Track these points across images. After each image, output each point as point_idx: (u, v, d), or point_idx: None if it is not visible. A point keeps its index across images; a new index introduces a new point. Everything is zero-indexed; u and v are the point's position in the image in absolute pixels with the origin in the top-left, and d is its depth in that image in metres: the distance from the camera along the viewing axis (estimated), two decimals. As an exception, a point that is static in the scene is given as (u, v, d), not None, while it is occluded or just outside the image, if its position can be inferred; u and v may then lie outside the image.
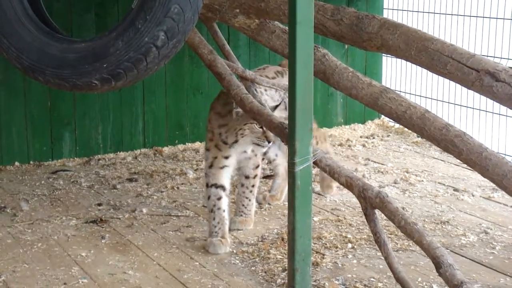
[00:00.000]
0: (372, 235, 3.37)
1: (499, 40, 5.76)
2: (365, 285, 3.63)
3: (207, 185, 4.15)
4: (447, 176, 5.39)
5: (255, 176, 4.36)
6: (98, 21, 5.86)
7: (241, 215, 4.38)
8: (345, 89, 3.65)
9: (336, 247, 4.08)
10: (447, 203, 4.82)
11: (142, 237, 4.28)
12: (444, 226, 4.39)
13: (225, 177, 4.16)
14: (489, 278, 3.71)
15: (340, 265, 3.87)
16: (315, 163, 3.44)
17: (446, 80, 3.35)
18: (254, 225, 4.43)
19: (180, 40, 3.35)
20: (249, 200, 4.37)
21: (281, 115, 4.05)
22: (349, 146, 6.23)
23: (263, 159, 4.67)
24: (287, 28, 3.67)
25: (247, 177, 4.34)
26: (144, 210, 4.70)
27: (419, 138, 6.28)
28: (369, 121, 6.96)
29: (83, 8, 5.81)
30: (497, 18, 5.72)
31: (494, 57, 5.52)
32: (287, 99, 4.15)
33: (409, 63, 3.52)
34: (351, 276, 3.74)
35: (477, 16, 5.85)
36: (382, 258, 3.38)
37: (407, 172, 5.46)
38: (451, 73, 3.20)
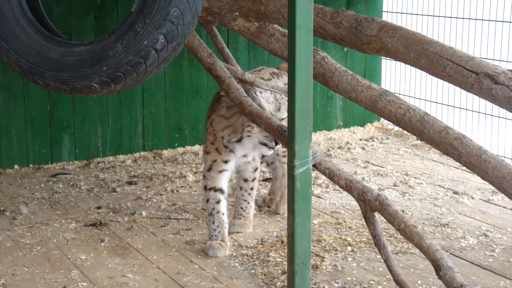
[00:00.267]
0: (371, 238, 3.37)
1: (498, 43, 5.77)
2: (364, 287, 3.64)
3: (205, 188, 4.15)
4: (447, 179, 5.39)
5: (253, 179, 4.36)
6: (98, 24, 5.86)
7: (240, 218, 4.38)
8: (345, 92, 3.65)
9: (336, 250, 4.08)
10: (446, 205, 4.82)
11: (142, 240, 4.28)
12: (443, 229, 4.39)
13: (224, 181, 4.16)
14: (488, 280, 3.71)
15: (339, 268, 3.87)
16: (314, 166, 3.44)
17: (446, 83, 3.35)
18: (254, 228, 4.43)
19: (179, 43, 3.35)
20: (248, 203, 4.37)
21: (281, 116, 4.04)
22: (349, 149, 6.23)
23: (261, 162, 4.67)
24: (286, 31, 3.67)
25: (245, 180, 4.34)
26: (144, 213, 4.70)
27: (419, 141, 6.28)
28: (369, 124, 6.96)
29: (82, 11, 5.81)
30: (496, 21, 5.72)
31: (493, 59, 5.52)
32: (284, 100, 4.18)
33: (408, 66, 3.51)
34: (351, 279, 3.74)
35: (476, 19, 5.85)
36: (382, 261, 3.38)
37: (407, 175, 5.46)
38: (450, 76, 3.20)
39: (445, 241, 4.20)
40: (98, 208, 4.82)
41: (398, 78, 6.73)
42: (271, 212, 4.70)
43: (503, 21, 5.70)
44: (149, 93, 6.10)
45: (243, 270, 3.87)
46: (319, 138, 6.56)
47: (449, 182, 5.33)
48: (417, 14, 6.45)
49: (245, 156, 4.20)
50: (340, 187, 3.47)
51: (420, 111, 3.40)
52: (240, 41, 6.29)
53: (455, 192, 5.07)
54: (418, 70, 3.42)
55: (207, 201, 4.13)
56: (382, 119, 6.75)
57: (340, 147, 6.28)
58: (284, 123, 3.65)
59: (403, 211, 4.62)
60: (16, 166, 5.72)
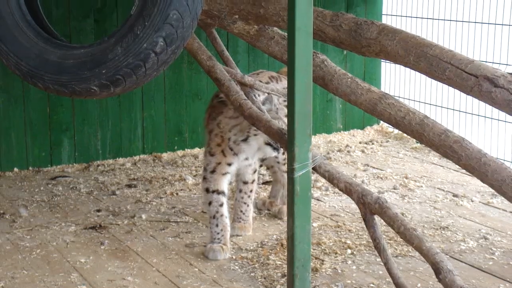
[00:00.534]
0: (371, 241, 3.37)
1: (498, 46, 5.77)
2: (364, 291, 3.63)
3: (207, 191, 4.13)
4: (446, 182, 5.39)
5: (253, 181, 4.35)
6: (97, 27, 5.87)
7: (240, 221, 4.38)
8: (344, 95, 3.65)
9: (336, 253, 4.08)
10: (446, 208, 4.81)
11: (141, 243, 4.28)
12: (443, 232, 4.39)
13: (226, 183, 4.15)
14: (488, 283, 3.71)
15: (339, 271, 3.86)
16: (314, 168, 3.44)
17: (445, 86, 3.35)
18: (254, 231, 4.43)
19: (179, 46, 3.35)
20: (248, 205, 4.37)
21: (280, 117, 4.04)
22: (348, 152, 6.23)
23: (261, 165, 4.67)
24: (286, 34, 3.68)
25: (245, 183, 4.33)
26: (143, 216, 4.70)
27: (418, 144, 6.28)
28: (368, 127, 6.96)
29: (82, 14, 5.81)
30: (495, 24, 5.72)
31: (493, 62, 5.52)
32: (280, 103, 4.18)
33: (408, 69, 3.51)
34: (351, 282, 3.74)
35: (475, 22, 5.85)
36: (382, 264, 3.38)
37: (406, 178, 5.46)
38: (450, 79, 3.20)
39: (445, 244, 4.20)
40: (98, 211, 4.82)
41: (397, 81, 6.73)
42: (271, 215, 4.70)
43: (502, 24, 5.70)
44: (148, 96, 6.10)
45: (243, 273, 3.87)
46: (319, 141, 6.56)
47: (449, 185, 5.32)
48: (416, 17, 6.46)
49: (246, 159, 4.18)
50: (340, 190, 3.47)
51: (420, 114, 3.40)
52: (239, 44, 6.29)
53: (455, 195, 5.07)
54: (418, 73, 3.42)
55: (210, 203, 4.12)
56: (381, 122, 6.74)
57: (339, 150, 6.28)
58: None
59: (402, 214, 4.62)
60: (15, 169, 5.71)
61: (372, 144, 6.46)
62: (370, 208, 3.31)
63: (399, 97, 6.52)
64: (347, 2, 6.75)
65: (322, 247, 4.15)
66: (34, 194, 5.17)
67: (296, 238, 3.36)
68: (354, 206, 4.03)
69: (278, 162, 4.57)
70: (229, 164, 4.12)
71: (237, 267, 3.94)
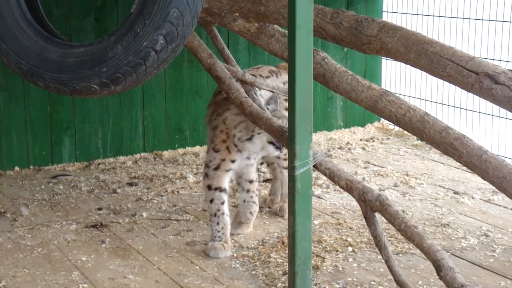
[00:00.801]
0: (372, 238, 3.37)
1: (498, 43, 5.77)
2: (365, 288, 3.63)
3: (209, 187, 4.11)
4: (447, 179, 5.39)
5: (256, 179, 4.35)
6: (97, 25, 5.86)
7: (248, 222, 4.33)
8: (345, 92, 3.65)
9: (337, 251, 4.08)
10: (447, 206, 4.81)
11: (142, 242, 4.28)
12: (444, 229, 4.39)
13: (228, 180, 4.14)
14: (489, 281, 3.71)
15: (340, 268, 3.86)
16: (315, 166, 3.44)
17: (446, 83, 3.34)
18: (254, 229, 4.43)
19: (179, 44, 3.35)
20: (256, 205, 4.34)
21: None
22: (349, 149, 6.23)
23: (261, 163, 4.66)
24: (286, 31, 3.67)
25: (251, 182, 4.30)
26: (144, 215, 4.70)
27: (419, 141, 6.28)
28: (369, 124, 6.96)
29: (82, 12, 5.81)
30: (496, 21, 5.72)
31: (493, 59, 5.52)
32: (281, 100, 4.18)
33: (408, 66, 3.51)
34: (352, 279, 3.74)
35: (476, 19, 5.85)
36: (383, 261, 3.38)
37: (407, 175, 5.46)
38: (450, 76, 3.20)
39: (446, 242, 4.20)
40: (99, 209, 4.82)
41: (398, 78, 6.73)
42: (271, 213, 4.70)
43: (503, 21, 5.69)
44: (149, 94, 6.10)
45: (244, 271, 3.87)
46: (320, 139, 6.56)
47: (450, 182, 5.32)
48: (417, 14, 6.45)
49: (248, 158, 4.17)
50: (341, 187, 3.47)
51: (421, 111, 3.40)
52: (240, 41, 6.29)
53: (456, 192, 5.07)
54: (419, 70, 3.42)
55: (211, 201, 4.10)
56: (382, 119, 6.74)
57: (340, 148, 6.27)
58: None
59: (403, 211, 4.62)
60: (16, 168, 5.72)
61: (373, 141, 6.46)
62: (371, 205, 3.31)
63: (399, 94, 6.52)
64: (347, 0, 6.75)
65: (323, 245, 4.15)
66: (35, 193, 5.18)
67: (297, 236, 3.36)
68: (355, 203, 4.03)
69: (279, 158, 4.56)
70: (233, 161, 4.11)
71: (238, 265, 3.94)
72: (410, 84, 6.56)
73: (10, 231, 4.45)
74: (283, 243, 4.13)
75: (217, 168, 4.10)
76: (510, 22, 5.64)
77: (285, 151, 4.10)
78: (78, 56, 3.41)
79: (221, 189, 4.09)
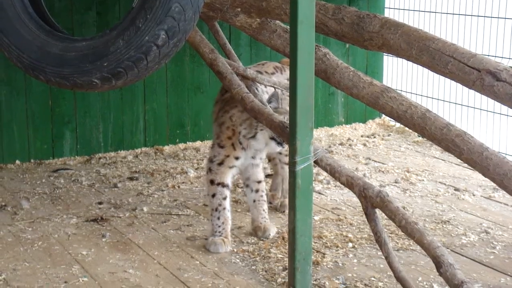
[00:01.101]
0: (372, 234, 3.37)
1: (500, 40, 5.76)
2: (365, 284, 3.63)
3: (212, 182, 4.10)
4: (448, 176, 5.39)
5: (264, 179, 4.33)
6: (99, 19, 5.86)
7: (266, 220, 4.30)
8: (346, 88, 3.65)
9: (337, 246, 4.08)
10: (447, 202, 4.81)
11: (143, 236, 4.28)
12: (444, 226, 4.39)
13: (231, 176, 4.13)
14: (489, 277, 3.71)
15: (340, 264, 3.87)
16: (315, 162, 3.44)
17: (447, 80, 3.34)
18: (255, 224, 4.43)
19: (181, 39, 3.35)
20: (266, 202, 4.31)
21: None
22: (350, 145, 6.23)
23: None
24: (288, 27, 3.67)
25: (259, 182, 4.27)
26: (145, 209, 4.70)
27: (420, 138, 6.27)
28: (370, 121, 6.96)
29: (84, 6, 5.81)
30: (498, 18, 5.71)
31: (495, 56, 5.52)
32: (285, 96, 4.17)
33: (410, 63, 3.51)
34: (352, 275, 3.74)
35: (478, 16, 5.84)
36: (383, 257, 3.38)
37: (408, 172, 5.46)
38: (452, 73, 3.20)
39: (446, 238, 4.20)
40: (99, 203, 4.82)
41: (400, 74, 6.72)
42: (272, 208, 4.70)
43: (505, 18, 5.69)
44: (150, 88, 6.10)
45: (244, 266, 3.87)
46: (321, 135, 6.56)
47: (450, 179, 5.32)
48: (419, 11, 6.44)
49: (253, 158, 4.16)
50: (341, 183, 3.47)
51: (422, 108, 3.40)
52: (242, 37, 6.28)
53: (456, 189, 5.07)
54: (420, 67, 3.42)
55: (213, 196, 4.10)
56: (383, 115, 6.75)
57: (341, 144, 6.27)
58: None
59: (404, 207, 4.62)
60: (17, 161, 5.72)
61: (374, 137, 6.45)
62: (371, 201, 3.32)
63: (401, 90, 6.51)
64: (349, -5, 6.75)
65: (323, 241, 4.15)
66: (35, 187, 5.18)
67: (298, 232, 3.37)
68: (355, 199, 4.03)
69: (280, 153, 4.55)
70: (237, 158, 4.10)
71: (238, 260, 3.94)
72: (411, 80, 6.56)
73: (10, 224, 4.46)
74: (283, 238, 4.13)
75: (221, 163, 4.09)
76: (512, 19, 5.64)
77: (286, 146, 4.09)
78: (79, 50, 3.42)
79: (223, 185, 4.09)
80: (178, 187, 5.16)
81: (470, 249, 4.05)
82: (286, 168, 4.40)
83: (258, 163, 4.22)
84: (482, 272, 3.77)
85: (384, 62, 6.99)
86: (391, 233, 4.20)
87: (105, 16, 5.88)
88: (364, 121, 6.94)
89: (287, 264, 3.63)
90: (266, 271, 3.78)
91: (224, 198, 4.09)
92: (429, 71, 3.34)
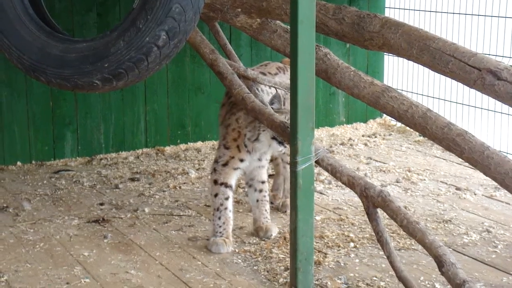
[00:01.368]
0: (374, 234, 3.37)
1: (501, 39, 5.76)
2: (367, 284, 3.63)
3: (215, 182, 4.11)
4: (449, 175, 5.39)
5: (267, 179, 4.33)
6: (100, 20, 5.86)
7: (267, 221, 4.30)
8: (347, 88, 3.65)
9: (339, 246, 4.08)
10: (449, 202, 4.81)
11: (144, 237, 4.28)
12: (446, 225, 4.39)
13: (235, 178, 4.14)
14: (491, 277, 3.71)
15: (342, 264, 3.87)
16: (317, 162, 3.44)
17: (448, 79, 3.34)
18: (256, 225, 4.43)
19: (181, 40, 3.35)
20: (268, 202, 4.33)
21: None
22: (351, 145, 6.23)
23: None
24: (288, 27, 3.67)
25: (263, 182, 4.28)
26: (146, 210, 4.70)
27: (421, 137, 6.27)
28: (371, 120, 6.96)
29: (85, 7, 5.81)
30: (499, 17, 5.71)
31: (496, 55, 5.52)
32: (288, 96, 4.17)
33: (411, 62, 3.51)
34: (354, 275, 3.74)
35: (478, 15, 5.84)
36: (385, 257, 3.38)
37: (409, 171, 5.46)
38: (453, 72, 3.20)
39: (448, 237, 4.20)
40: (101, 204, 4.82)
41: (400, 74, 6.72)
42: (273, 208, 4.69)
43: (506, 17, 5.69)
44: (151, 89, 6.10)
45: (245, 266, 3.87)
46: (322, 135, 6.56)
47: (452, 178, 5.32)
48: (419, 10, 6.44)
49: (259, 160, 4.16)
50: (343, 183, 3.47)
51: (423, 107, 3.40)
52: (242, 37, 6.28)
53: (458, 188, 5.06)
54: (421, 66, 3.42)
55: (215, 195, 4.10)
56: (384, 115, 6.74)
57: (342, 144, 6.27)
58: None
59: (405, 207, 4.62)
60: (18, 163, 5.72)
61: (375, 137, 6.45)
62: (373, 201, 3.32)
63: (402, 90, 6.51)
64: (350, -5, 6.75)
65: (325, 241, 4.15)
66: (37, 188, 5.18)
67: (299, 232, 3.37)
68: (357, 199, 4.03)
69: (284, 153, 4.55)
70: (242, 160, 4.11)
71: (240, 260, 3.94)
72: (412, 80, 6.56)
73: (12, 225, 4.46)
74: (285, 238, 4.13)
75: (225, 164, 4.10)
76: (513, 18, 5.64)
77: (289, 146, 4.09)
78: (80, 52, 3.42)
79: (226, 185, 4.10)
80: (180, 187, 5.16)
81: (472, 248, 4.05)
82: (288, 168, 4.40)
83: (264, 164, 4.23)
84: (484, 271, 3.77)
85: (385, 61, 6.99)
86: (392, 233, 4.20)
87: (105, 17, 5.88)
88: (365, 121, 6.94)
89: (289, 264, 3.63)
90: (268, 271, 3.78)
91: (226, 199, 4.09)
92: (430, 70, 3.35)
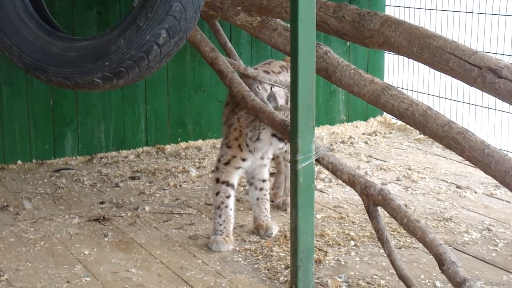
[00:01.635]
0: (374, 232, 3.37)
1: (501, 37, 5.76)
2: (368, 282, 3.63)
3: (217, 181, 4.11)
4: (450, 173, 5.39)
5: (269, 178, 4.33)
6: (100, 19, 5.86)
7: (267, 219, 4.30)
8: (347, 86, 3.65)
9: (339, 245, 4.08)
10: (449, 200, 4.81)
11: (145, 235, 4.28)
12: (446, 223, 4.39)
13: (237, 178, 4.14)
14: (492, 275, 3.71)
15: (343, 262, 3.87)
16: (317, 160, 3.44)
17: (448, 77, 3.34)
18: (257, 223, 4.43)
19: (181, 38, 3.35)
20: (268, 201, 4.33)
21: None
22: (352, 143, 6.23)
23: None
24: (289, 25, 3.67)
25: (264, 181, 4.28)
26: (147, 208, 4.71)
27: (422, 135, 6.27)
28: (371, 118, 6.96)
29: (85, 6, 5.81)
30: (499, 15, 5.71)
31: (496, 53, 5.51)
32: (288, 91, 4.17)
33: (411, 60, 3.51)
34: (354, 273, 3.74)
35: (479, 13, 5.84)
36: (385, 255, 3.38)
37: (410, 169, 5.46)
38: (453, 70, 3.20)
39: (448, 236, 4.20)
40: (101, 203, 4.83)
41: (401, 72, 6.72)
42: (274, 207, 4.70)
43: (506, 15, 5.68)
44: (152, 88, 6.10)
45: (246, 264, 3.87)
46: (322, 133, 6.56)
47: (452, 176, 5.32)
48: (420, 8, 6.44)
49: (262, 158, 4.17)
50: (343, 181, 3.47)
51: (423, 105, 3.40)
52: (242, 35, 6.28)
53: (458, 187, 5.06)
54: (421, 64, 3.41)
55: (217, 194, 4.11)
56: (385, 113, 6.75)
57: (343, 142, 6.27)
58: None
59: (406, 205, 4.62)
60: (19, 162, 5.72)
61: (376, 135, 6.45)
62: (373, 199, 3.32)
63: (402, 88, 6.51)
64: (350, -6, 6.75)
65: (326, 239, 4.16)
66: (37, 187, 5.18)
67: (300, 230, 3.37)
68: (357, 197, 4.03)
69: (285, 151, 4.56)
70: (243, 160, 4.11)
71: (240, 258, 3.94)
72: (412, 78, 6.56)
73: (13, 224, 4.46)
74: (285, 237, 4.13)
75: (227, 163, 4.11)
76: (513, 16, 5.64)
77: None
78: (80, 50, 3.42)
79: (228, 184, 4.10)
80: (180, 186, 5.16)
81: (472, 247, 4.05)
82: (289, 166, 4.40)
83: (266, 163, 4.24)
84: (485, 270, 3.77)
85: (385, 59, 6.99)
86: (393, 231, 4.20)
87: (105, 15, 5.88)
88: (365, 119, 6.94)
89: (289, 263, 3.63)
90: (268, 270, 3.78)
91: (228, 197, 4.09)
92: (430, 68, 3.34)
